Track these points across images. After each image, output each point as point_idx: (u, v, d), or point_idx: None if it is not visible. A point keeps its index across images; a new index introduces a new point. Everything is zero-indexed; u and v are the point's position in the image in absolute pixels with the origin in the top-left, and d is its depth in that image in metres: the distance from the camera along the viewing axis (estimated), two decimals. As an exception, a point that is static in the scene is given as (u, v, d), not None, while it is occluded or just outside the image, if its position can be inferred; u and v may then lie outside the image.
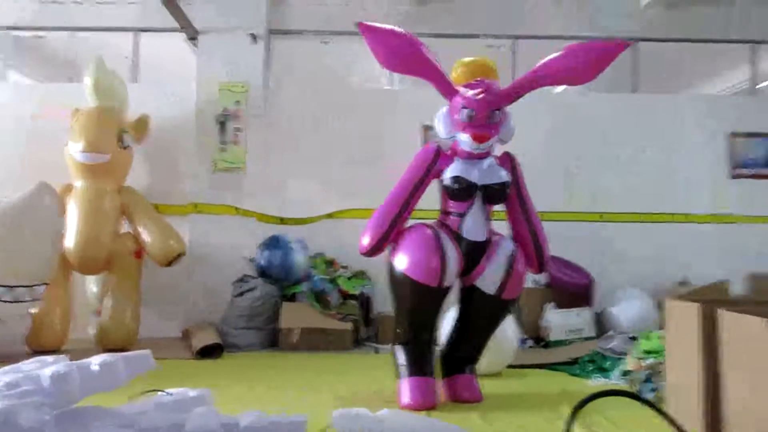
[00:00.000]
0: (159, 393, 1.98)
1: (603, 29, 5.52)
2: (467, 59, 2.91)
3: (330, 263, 4.82)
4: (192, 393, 1.88)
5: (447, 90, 2.80)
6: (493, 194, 2.81)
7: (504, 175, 2.82)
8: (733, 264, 4.90)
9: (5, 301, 3.66)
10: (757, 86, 5.74)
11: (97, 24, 5.29)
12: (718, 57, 6.34)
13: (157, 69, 5.66)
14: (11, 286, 3.68)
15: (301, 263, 4.63)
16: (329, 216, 5.04)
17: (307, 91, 5.23)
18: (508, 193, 2.84)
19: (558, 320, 4.51)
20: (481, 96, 2.72)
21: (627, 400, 1.73)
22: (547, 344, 4.44)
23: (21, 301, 3.73)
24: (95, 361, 1.55)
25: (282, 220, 4.99)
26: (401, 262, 2.69)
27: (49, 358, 1.73)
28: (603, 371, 3.53)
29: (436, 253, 2.64)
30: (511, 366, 3.54)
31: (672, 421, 1.71)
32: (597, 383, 3.32)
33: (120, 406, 1.64)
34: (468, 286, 2.83)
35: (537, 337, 4.55)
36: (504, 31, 5.41)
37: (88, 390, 1.50)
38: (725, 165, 5.33)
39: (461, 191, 2.77)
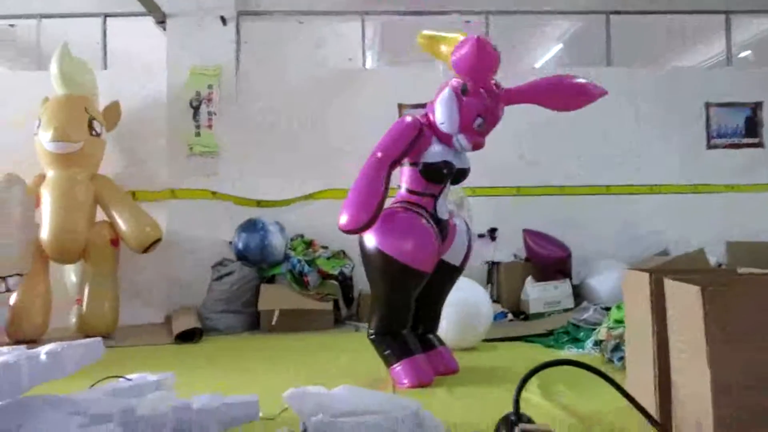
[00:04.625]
0: (120, 379, 2.00)
1: (576, 4, 5.48)
2: (451, 36, 2.80)
3: (309, 244, 4.82)
4: (151, 378, 1.90)
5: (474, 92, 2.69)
6: (461, 177, 2.89)
7: (468, 160, 2.90)
8: (712, 233, 4.97)
9: (-22, 293, 3.67)
10: (735, 56, 5.71)
11: (64, 11, 5.20)
12: (692, 30, 6.29)
13: (127, 55, 5.58)
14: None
15: (279, 245, 4.63)
16: (307, 198, 5.03)
17: (280, 72, 5.16)
18: None
19: (537, 293, 4.55)
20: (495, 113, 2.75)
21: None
22: (527, 317, 4.49)
23: (-5, 292, 3.73)
24: (43, 351, 1.56)
25: (259, 203, 4.98)
26: (398, 250, 2.61)
27: (5, 349, 1.74)
28: (577, 342, 3.58)
29: (434, 240, 2.70)
30: (486, 339, 3.58)
31: (618, 387, 1.74)
32: (570, 353, 3.37)
33: (74, 393, 1.65)
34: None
35: (517, 311, 4.61)
36: (478, 7, 5.36)
37: (36, 379, 1.52)
38: (702, 136, 5.34)
39: (446, 176, 2.78)
